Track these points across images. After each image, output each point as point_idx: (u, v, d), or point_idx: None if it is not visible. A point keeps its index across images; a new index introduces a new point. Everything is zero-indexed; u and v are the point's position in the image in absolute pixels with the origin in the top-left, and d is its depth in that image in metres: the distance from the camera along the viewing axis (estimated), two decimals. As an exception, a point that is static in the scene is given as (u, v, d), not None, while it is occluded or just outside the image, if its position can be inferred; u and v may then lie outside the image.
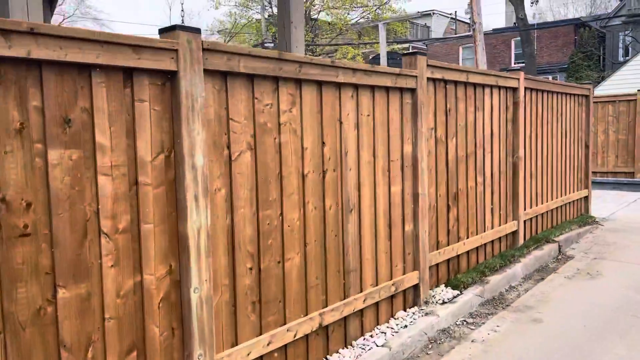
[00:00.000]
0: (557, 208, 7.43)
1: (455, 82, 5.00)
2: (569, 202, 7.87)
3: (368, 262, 4.00)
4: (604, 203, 10.20)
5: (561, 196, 7.56)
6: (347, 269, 3.80)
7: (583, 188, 8.43)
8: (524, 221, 6.40)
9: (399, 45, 36.29)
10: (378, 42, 31.47)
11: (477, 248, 5.48)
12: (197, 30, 2.66)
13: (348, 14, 33.45)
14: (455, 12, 41.14)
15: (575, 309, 4.73)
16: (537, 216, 6.79)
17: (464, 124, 5.18)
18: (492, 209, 5.72)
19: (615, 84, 19.89)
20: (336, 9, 32.69)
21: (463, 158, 5.18)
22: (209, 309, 2.76)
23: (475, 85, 5.31)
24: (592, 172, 12.44)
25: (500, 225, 5.90)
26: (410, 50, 4.14)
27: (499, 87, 5.76)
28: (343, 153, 3.74)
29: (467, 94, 5.20)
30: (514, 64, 32.90)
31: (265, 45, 26.99)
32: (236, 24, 35.30)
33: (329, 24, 32.40)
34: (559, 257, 6.48)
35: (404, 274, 4.39)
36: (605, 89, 20.04)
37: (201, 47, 2.69)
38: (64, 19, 40.33)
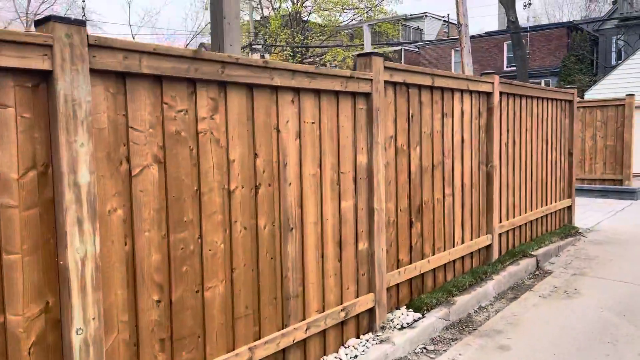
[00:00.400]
0: (537, 219, 7.03)
1: (420, 86, 4.60)
2: (551, 213, 7.48)
3: (313, 287, 3.58)
4: (590, 212, 9.83)
5: (542, 207, 7.17)
6: (286, 296, 3.38)
7: (566, 197, 8.04)
8: (499, 234, 6.00)
9: (391, 48, 35.96)
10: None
11: (444, 265, 5.07)
12: (80, 23, 2.24)
13: (340, 15, 33.11)
14: (448, 14, 40.79)
15: (547, 334, 4.33)
16: (514, 229, 6.40)
17: (430, 132, 4.78)
18: (462, 222, 5.32)
19: (606, 89, 19.58)
20: (327, 10, 32.33)
21: (428, 168, 4.77)
22: (97, 352, 2.33)
23: (442, 89, 4.91)
24: (580, 180, 12.10)
25: (472, 240, 5.50)
26: (366, 51, 3.71)
27: (471, 92, 5.36)
28: (281, 165, 3.32)
29: (433, 99, 4.80)
30: (507, 67, 32.61)
31: (253, 47, 26.58)
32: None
33: (320, 26, 32.03)
34: (537, 272, 6.08)
35: (357, 297, 3.98)
36: (595, 93, 19.74)
37: (86, 42, 2.27)
38: (55, 19, 39.75)
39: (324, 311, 3.67)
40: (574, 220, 8.27)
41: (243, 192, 3.07)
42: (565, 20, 44.19)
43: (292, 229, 3.41)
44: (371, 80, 3.96)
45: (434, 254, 4.89)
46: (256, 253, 3.17)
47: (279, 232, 3.32)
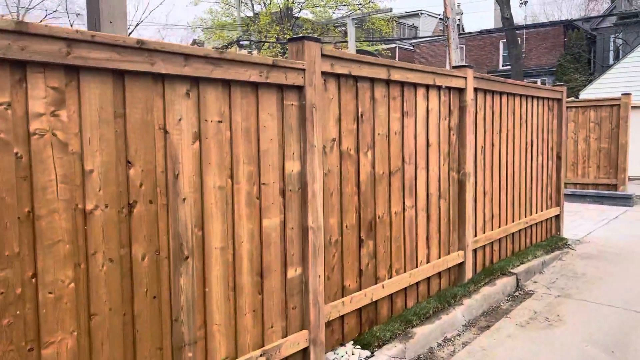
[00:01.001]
0: (519, 231, 6.30)
1: (372, 80, 3.86)
2: (536, 223, 6.75)
3: (219, 329, 2.85)
4: (582, 220, 9.11)
5: (525, 217, 6.44)
6: (177, 344, 2.64)
7: (553, 205, 7.31)
8: (474, 250, 5.27)
9: (384, 46, 35.16)
10: (363, 42, 30.34)
11: (404, 290, 4.33)
12: None
13: (333, 12, 32.31)
14: (444, 12, 39.97)
15: (520, 379, 3.60)
16: (491, 243, 5.67)
17: (386, 133, 4.04)
18: (427, 238, 4.59)
19: (602, 88, 18.87)
20: (318, 7, 31.54)
21: (384, 177, 4.04)
22: None
23: (402, 83, 4.18)
24: (572, 184, 11.38)
25: (440, 258, 4.77)
26: (298, 35, 2.95)
27: (439, 87, 4.62)
28: (171, 176, 2.58)
29: (390, 94, 4.06)
30: (502, 66, 31.92)
31: (241, 43, 25.77)
32: (217, 21, 34.05)
33: (312, 22, 31.23)
34: (516, 293, 5.35)
35: (285, 336, 3.24)
36: (591, 92, 19.03)
37: None
38: (46, 15, 39.00)
39: (236, 359, 2.94)
40: (562, 231, 7.55)
41: (107, 213, 2.33)
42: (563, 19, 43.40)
43: (187, 257, 2.67)
44: (304, 70, 3.22)
45: (390, 277, 4.16)
46: (130, 292, 2.44)
47: (167, 263, 2.58)
